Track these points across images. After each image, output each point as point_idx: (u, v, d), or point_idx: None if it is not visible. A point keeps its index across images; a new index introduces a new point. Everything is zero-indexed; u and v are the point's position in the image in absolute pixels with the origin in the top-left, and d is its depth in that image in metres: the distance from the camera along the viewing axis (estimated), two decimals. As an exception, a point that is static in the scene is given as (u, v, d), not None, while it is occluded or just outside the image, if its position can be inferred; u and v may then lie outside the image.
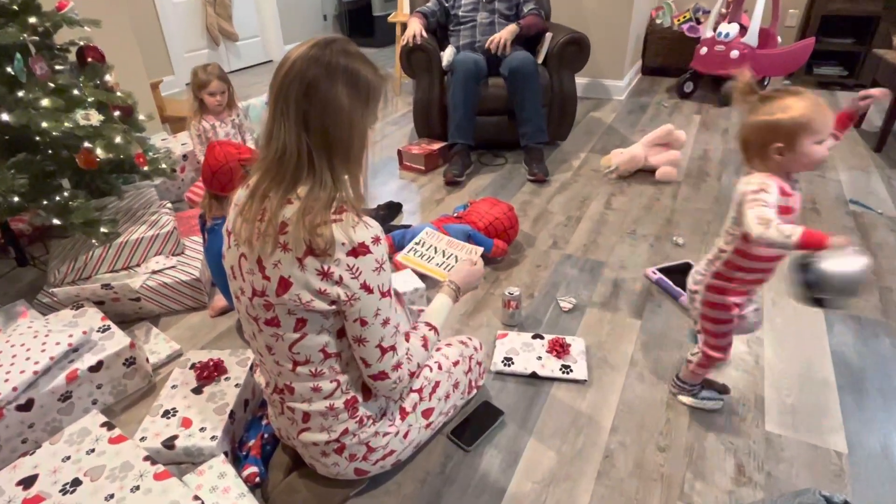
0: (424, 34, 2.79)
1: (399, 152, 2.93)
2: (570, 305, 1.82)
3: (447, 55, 2.81)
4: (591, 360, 1.60)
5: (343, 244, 0.92)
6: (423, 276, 1.85)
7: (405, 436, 1.19)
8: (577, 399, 1.47)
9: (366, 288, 0.96)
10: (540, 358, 1.58)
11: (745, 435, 1.36)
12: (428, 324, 1.20)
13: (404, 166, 2.93)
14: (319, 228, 0.91)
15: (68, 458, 1.16)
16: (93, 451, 1.18)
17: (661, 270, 1.95)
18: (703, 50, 3.61)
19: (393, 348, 1.04)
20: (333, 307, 0.97)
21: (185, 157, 2.59)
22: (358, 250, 0.94)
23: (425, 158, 2.83)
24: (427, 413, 1.24)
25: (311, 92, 0.90)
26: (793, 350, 1.61)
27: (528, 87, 2.68)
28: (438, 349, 1.32)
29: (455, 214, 2.18)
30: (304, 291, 0.95)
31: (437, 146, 2.91)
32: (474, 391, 1.42)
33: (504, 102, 2.81)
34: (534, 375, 1.54)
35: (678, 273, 1.94)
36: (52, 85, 1.72)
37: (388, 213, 2.39)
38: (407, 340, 1.12)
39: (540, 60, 2.87)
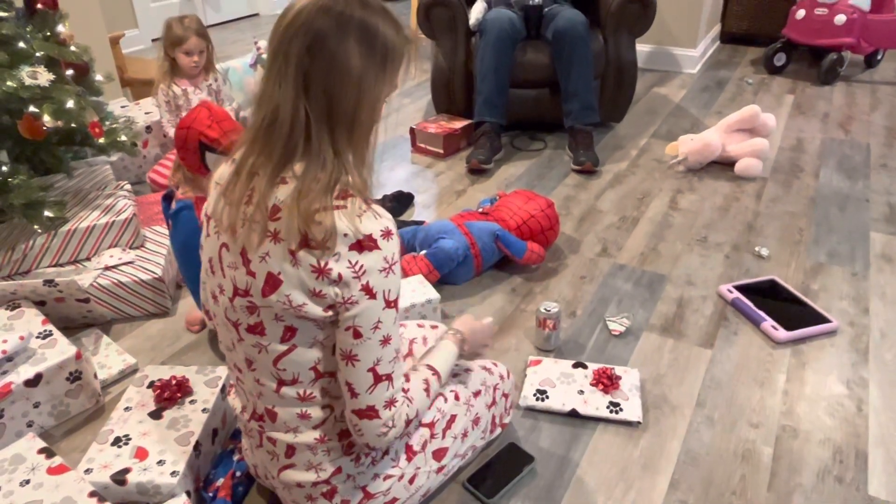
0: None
1: (412, 131, 2.96)
2: (622, 328, 1.82)
3: (476, 11, 2.83)
4: (646, 398, 1.60)
5: (346, 235, 0.94)
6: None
7: (411, 481, 1.20)
8: (628, 445, 1.47)
9: (368, 291, 0.97)
10: (582, 392, 1.58)
11: (842, 500, 1.34)
12: (430, 367, 1.20)
13: (418, 148, 2.95)
14: (318, 215, 0.93)
15: (-2, 489, 1.19)
16: (28, 482, 1.20)
17: (740, 289, 1.95)
18: (800, 13, 3.57)
19: (389, 378, 1.04)
20: (329, 314, 0.98)
21: (148, 128, 2.64)
22: (363, 244, 0.95)
23: (444, 139, 2.85)
24: (439, 454, 1.24)
25: (316, 47, 0.93)
26: (906, 395, 1.60)
27: (577, 53, 2.69)
28: (455, 375, 1.33)
29: (480, 210, 2.19)
30: (296, 292, 0.96)
31: (459, 125, 2.93)
32: (498, 430, 1.43)
33: (545, 72, 2.82)
34: (573, 413, 1.54)
35: (761, 293, 1.92)
36: (-7, 35, 1.77)
37: (396, 205, 2.41)
38: (407, 380, 1.12)
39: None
